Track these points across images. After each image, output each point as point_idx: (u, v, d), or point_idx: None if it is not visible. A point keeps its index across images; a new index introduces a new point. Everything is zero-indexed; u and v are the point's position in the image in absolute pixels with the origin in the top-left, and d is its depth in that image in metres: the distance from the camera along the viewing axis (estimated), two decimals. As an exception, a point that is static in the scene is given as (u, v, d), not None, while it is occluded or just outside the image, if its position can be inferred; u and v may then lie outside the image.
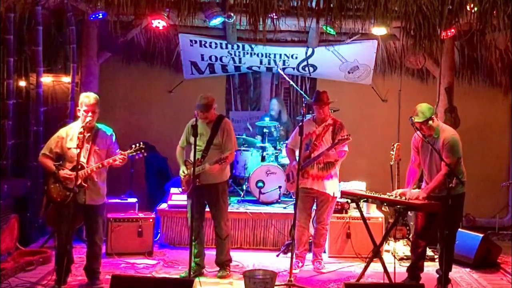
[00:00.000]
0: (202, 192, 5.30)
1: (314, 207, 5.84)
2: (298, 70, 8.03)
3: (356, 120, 8.01)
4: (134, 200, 6.70)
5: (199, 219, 5.45)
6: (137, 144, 4.89)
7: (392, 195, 5.05)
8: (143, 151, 4.87)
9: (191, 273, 5.06)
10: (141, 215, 6.28)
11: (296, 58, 7.78)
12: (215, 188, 5.36)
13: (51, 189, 4.78)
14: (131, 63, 8.32)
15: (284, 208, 6.88)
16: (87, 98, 4.77)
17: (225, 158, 5.16)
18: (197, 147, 5.17)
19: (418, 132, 4.96)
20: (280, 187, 7.06)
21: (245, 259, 6.09)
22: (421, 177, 5.34)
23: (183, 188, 5.50)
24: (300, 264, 5.71)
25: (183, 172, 5.40)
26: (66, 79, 7.30)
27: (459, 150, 4.94)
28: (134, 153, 4.86)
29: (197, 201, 5.27)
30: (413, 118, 4.93)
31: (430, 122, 4.92)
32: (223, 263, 5.49)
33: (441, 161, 4.80)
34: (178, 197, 6.56)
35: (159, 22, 6.18)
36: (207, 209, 5.52)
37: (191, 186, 5.10)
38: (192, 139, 5.22)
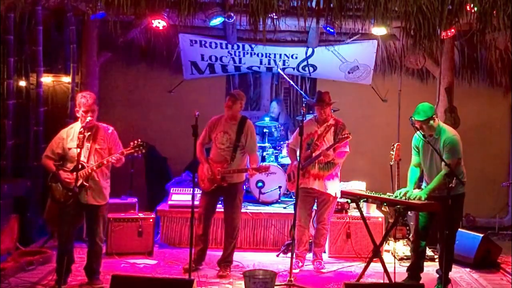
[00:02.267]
0: (221, 191, 5.42)
1: (315, 207, 5.85)
2: (298, 70, 8.03)
3: (356, 120, 8.01)
4: (134, 200, 6.70)
5: (211, 218, 5.63)
6: (135, 141, 4.80)
7: (392, 195, 5.04)
8: (141, 148, 4.78)
9: (193, 265, 5.11)
10: (141, 215, 6.28)
11: (296, 58, 7.78)
12: (235, 187, 5.48)
13: (54, 189, 4.78)
14: (131, 63, 8.32)
15: (284, 208, 6.88)
16: (84, 98, 4.74)
17: (267, 168, 5.49)
18: (220, 145, 5.43)
19: (418, 132, 4.96)
20: (280, 187, 7.07)
21: (245, 259, 6.09)
22: (421, 177, 5.34)
23: (202, 185, 5.51)
24: (300, 264, 5.71)
25: (208, 171, 5.42)
26: (66, 79, 7.30)
27: (459, 150, 4.94)
28: (133, 151, 4.79)
29: (212, 200, 5.45)
30: (413, 117, 4.92)
31: (431, 121, 4.91)
32: (226, 263, 5.53)
33: (442, 162, 4.80)
34: (178, 197, 6.57)
35: (159, 22, 6.18)
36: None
37: (215, 185, 5.31)
38: (213, 136, 5.46)
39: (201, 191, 5.62)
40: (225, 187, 5.38)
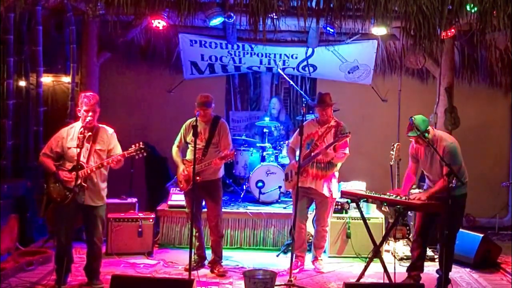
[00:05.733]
0: (201, 189, 5.40)
1: (313, 208, 5.85)
2: (298, 70, 8.02)
3: (356, 120, 8.01)
4: (134, 200, 6.70)
5: (199, 216, 5.69)
6: (137, 144, 4.87)
7: (392, 195, 5.04)
8: (142, 151, 4.85)
9: (193, 264, 5.12)
10: (141, 215, 6.28)
11: (296, 58, 7.77)
12: (214, 184, 5.53)
13: (52, 189, 4.78)
14: (131, 63, 8.31)
15: (284, 208, 6.88)
16: (86, 98, 4.76)
17: (231, 154, 5.36)
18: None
19: (420, 139, 4.94)
20: (280, 187, 7.07)
21: (245, 259, 6.10)
22: (422, 178, 5.33)
23: (181, 186, 5.55)
24: (300, 264, 5.71)
25: (184, 171, 5.46)
26: (66, 79, 7.30)
27: (459, 157, 4.94)
28: (134, 153, 4.84)
29: (196, 198, 5.39)
30: (408, 134, 4.93)
31: (426, 134, 4.90)
32: (219, 261, 5.56)
33: (441, 168, 4.80)
34: (178, 197, 6.56)
35: (159, 22, 6.18)
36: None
37: (191, 184, 5.15)
38: (189, 138, 5.42)
39: (182, 192, 5.71)
40: (203, 185, 5.37)
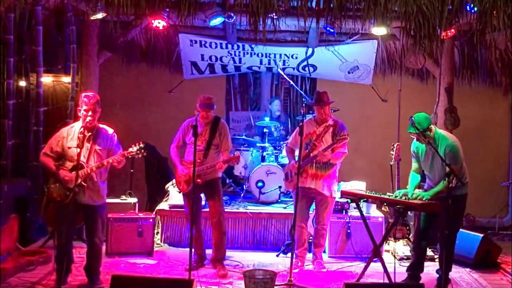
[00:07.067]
0: (201, 188, 5.42)
1: (313, 207, 5.85)
2: (298, 70, 8.02)
3: (356, 120, 8.01)
4: (134, 200, 6.70)
5: (199, 217, 5.70)
6: (136, 144, 4.87)
7: (392, 195, 5.04)
8: (142, 151, 4.85)
9: (194, 265, 5.14)
10: (141, 215, 6.28)
11: (296, 58, 7.77)
12: (214, 182, 5.54)
13: (52, 188, 4.78)
14: (131, 63, 8.31)
15: (284, 208, 6.88)
16: (86, 98, 4.76)
17: (237, 158, 5.44)
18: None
19: (421, 137, 4.94)
20: (280, 187, 7.07)
21: (245, 259, 6.10)
22: (422, 177, 5.33)
23: (180, 187, 5.54)
24: (300, 264, 5.71)
25: (183, 171, 5.45)
26: (66, 79, 7.30)
27: (460, 156, 4.94)
28: (134, 153, 4.84)
29: (195, 199, 5.36)
30: (409, 131, 4.93)
31: (427, 132, 4.91)
32: (221, 260, 5.56)
33: (443, 168, 4.80)
34: (178, 197, 6.56)
35: (159, 22, 6.19)
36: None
37: (192, 185, 5.14)
38: (188, 139, 5.42)
39: (182, 194, 5.68)
40: (203, 184, 5.38)
